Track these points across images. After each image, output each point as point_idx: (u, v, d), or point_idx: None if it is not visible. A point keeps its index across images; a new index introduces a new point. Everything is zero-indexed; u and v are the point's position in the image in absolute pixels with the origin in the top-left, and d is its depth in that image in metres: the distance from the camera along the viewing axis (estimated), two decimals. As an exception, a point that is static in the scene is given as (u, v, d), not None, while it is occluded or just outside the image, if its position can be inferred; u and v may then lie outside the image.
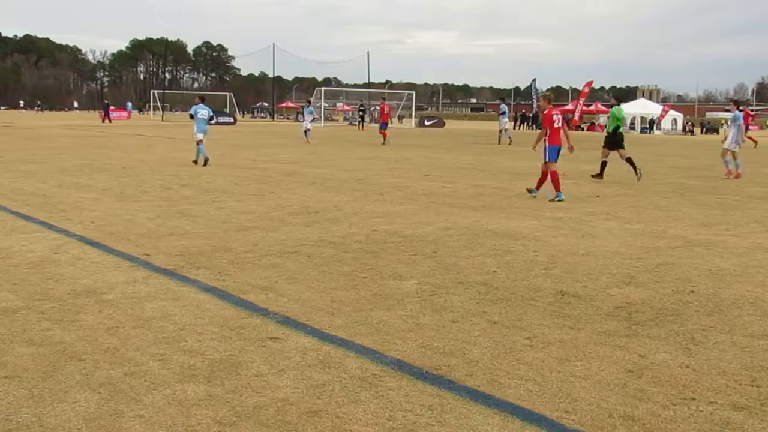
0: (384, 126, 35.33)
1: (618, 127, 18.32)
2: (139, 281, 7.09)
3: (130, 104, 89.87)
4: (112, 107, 67.30)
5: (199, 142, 19.82)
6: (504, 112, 39.45)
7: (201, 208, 11.90)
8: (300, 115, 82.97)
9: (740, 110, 20.77)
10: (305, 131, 34.68)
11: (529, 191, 14.55)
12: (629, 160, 17.81)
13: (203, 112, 20.23)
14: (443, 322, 5.95)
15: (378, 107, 49.35)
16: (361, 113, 62.41)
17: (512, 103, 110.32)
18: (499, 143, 36.42)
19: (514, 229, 10.49)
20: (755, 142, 36.57)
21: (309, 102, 39.25)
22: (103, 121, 60.21)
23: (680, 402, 4.41)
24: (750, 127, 41.85)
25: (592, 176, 18.15)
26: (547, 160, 14.31)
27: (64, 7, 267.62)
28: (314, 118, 39.88)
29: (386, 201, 13.35)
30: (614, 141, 18.17)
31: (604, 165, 18.18)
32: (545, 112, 14.63)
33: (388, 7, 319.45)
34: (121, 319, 5.85)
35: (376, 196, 14.05)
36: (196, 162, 19.92)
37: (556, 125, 14.39)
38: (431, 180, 17.38)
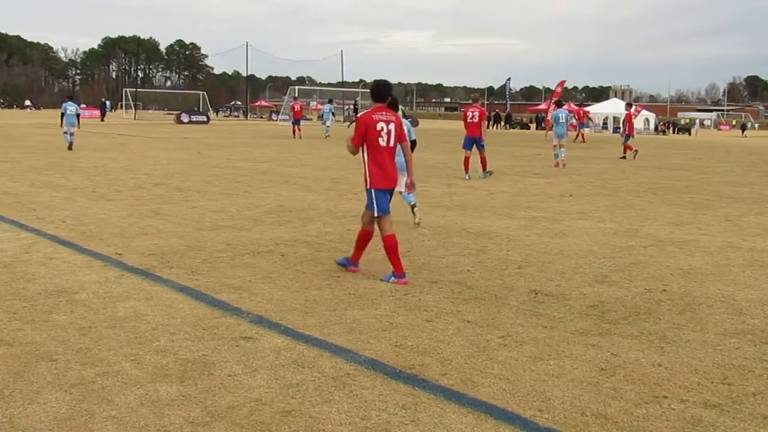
0: (297, 122, 39.09)
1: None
2: (112, 281, 7.04)
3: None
4: (85, 106, 67.06)
5: (70, 134, 24.33)
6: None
7: (174, 208, 11.82)
8: (274, 114, 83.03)
9: (564, 109, 25.48)
10: (327, 127, 40.39)
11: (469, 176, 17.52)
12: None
13: (71, 108, 24.97)
14: (417, 321, 5.96)
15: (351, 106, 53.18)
16: (354, 110, 64.52)
17: (486, 102, 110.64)
18: None
19: (488, 228, 10.53)
20: (583, 137, 43.82)
21: (331, 101, 45.71)
22: (102, 120, 60.77)
23: (652, 400, 4.45)
24: (582, 124, 45.93)
25: None
26: (463, 147, 18.14)
27: (35, 4, 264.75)
28: (333, 115, 45.85)
29: (360, 200, 13.29)
30: None
31: None
32: (464, 109, 18.26)
33: (363, 6, 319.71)
34: (94, 319, 5.80)
35: (350, 195, 14.03)
36: (69, 148, 23.80)
37: (469, 120, 18.06)
38: (406, 179, 17.35)
